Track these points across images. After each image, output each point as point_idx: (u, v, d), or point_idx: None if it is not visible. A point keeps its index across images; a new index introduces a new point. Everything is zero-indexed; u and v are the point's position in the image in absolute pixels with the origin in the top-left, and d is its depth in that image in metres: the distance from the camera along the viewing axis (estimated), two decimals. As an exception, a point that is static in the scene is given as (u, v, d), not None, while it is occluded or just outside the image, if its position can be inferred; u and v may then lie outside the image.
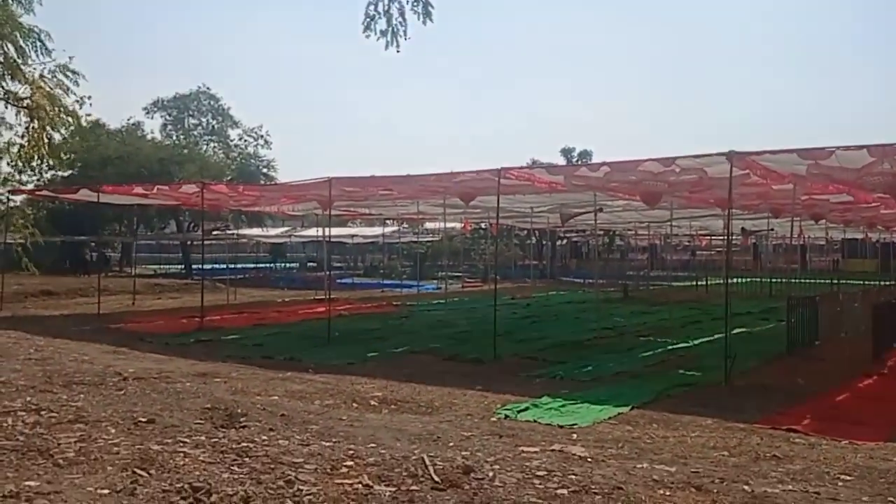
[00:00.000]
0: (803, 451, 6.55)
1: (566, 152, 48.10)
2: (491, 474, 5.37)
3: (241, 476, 5.02)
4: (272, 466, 5.28)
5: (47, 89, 10.02)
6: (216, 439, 6.00)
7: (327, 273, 19.54)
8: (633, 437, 6.89)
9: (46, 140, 10.58)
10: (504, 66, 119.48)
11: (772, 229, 26.35)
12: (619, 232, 42.42)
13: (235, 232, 36.60)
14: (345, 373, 10.23)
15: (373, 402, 8.17)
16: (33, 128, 10.27)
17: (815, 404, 8.80)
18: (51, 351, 11.38)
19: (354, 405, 7.99)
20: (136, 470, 5.02)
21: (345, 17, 33.77)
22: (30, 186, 25.73)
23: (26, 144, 10.51)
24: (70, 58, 10.46)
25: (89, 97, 10.39)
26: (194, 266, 40.90)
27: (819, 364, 11.79)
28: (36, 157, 11.20)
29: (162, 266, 43.99)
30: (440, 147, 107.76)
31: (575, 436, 6.90)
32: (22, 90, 10.25)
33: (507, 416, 7.63)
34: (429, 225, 35.21)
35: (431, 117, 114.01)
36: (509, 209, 21.80)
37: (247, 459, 5.44)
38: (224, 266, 38.34)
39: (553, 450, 6.25)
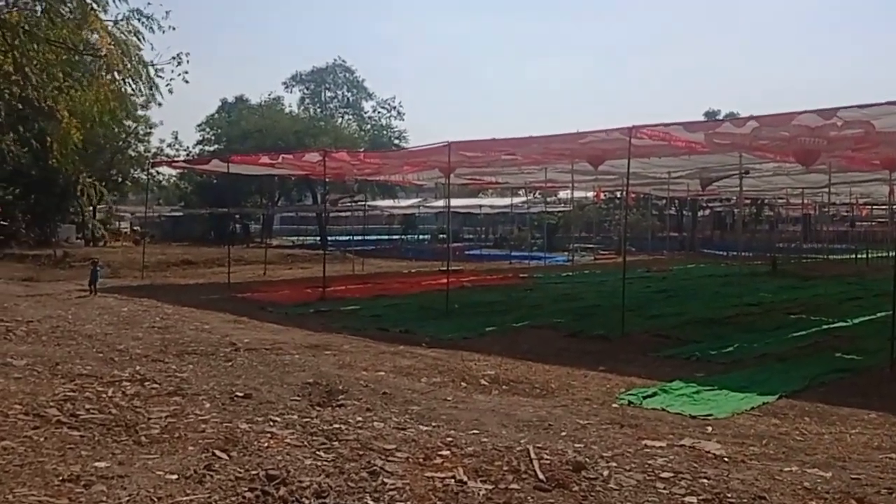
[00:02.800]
0: None
1: (710, 115, 45.27)
2: (606, 473, 4.66)
3: (324, 463, 4.59)
4: (360, 453, 4.82)
5: (117, 35, 9.67)
6: (308, 419, 5.63)
7: (448, 243, 19.00)
8: (779, 433, 5.93)
9: (113, 93, 10.24)
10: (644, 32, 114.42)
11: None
12: (768, 200, 39.50)
13: (366, 203, 37.03)
14: (458, 348, 9.71)
15: (483, 382, 7.59)
16: (104, 79, 10.04)
17: None
18: (175, 319, 11.59)
19: (463, 384, 7.44)
20: (216, 452, 4.71)
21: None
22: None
23: (95, 97, 10.20)
24: (148, 2, 9.96)
25: (187, 53, 9.83)
26: (330, 238, 42.09)
27: None
28: (106, 112, 10.93)
29: (300, 238, 45.45)
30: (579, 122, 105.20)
31: (710, 429, 6.02)
32: (95, 38, 9.97)
33: (630, 403, 6.83)
34: (561, 195, 34.14)
35: (569, 90, 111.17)
36: (643, 174, 20.51)
37: (335, 443, 5.02)
38: (356, 238, 39.16)
39: (682, 445, 5.43)
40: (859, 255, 29.64)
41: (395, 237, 46.51)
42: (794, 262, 28.87)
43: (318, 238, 40.24)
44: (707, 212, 49.93)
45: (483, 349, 9.64)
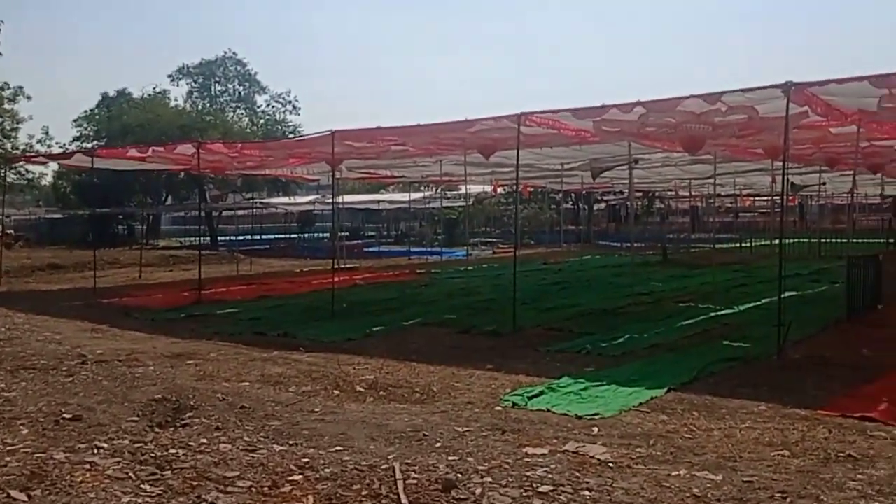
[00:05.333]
0: (886, 448, 5.16)
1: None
2: (479, 491, 4.13)
3: (146, 500, 3.84)
4: (194, 484, 4.10)
5: None
6: (142, 444, 4.84)
7: (334, 240, 18.24)
8: (668, 431, 5.57)
9: None
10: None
11: (824, 183, 24.35)
12: (658, 193, 40.55)
13: (255, 200, 35.64)
14: (339, 351, 9.03)
15: (359, 388, 6.95)
16: None
17: (888, 382, 7.35)
18: (24, 329, 10.39)
19: (336, 392, 6.77)
20: (12, 492, 3.89)
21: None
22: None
23: None
24: None
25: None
26: (222, 238, 40.28)
27: (885, 331, 10.30)
28: None
29: (190, 238, 43.38)
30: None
31: (596, 430, 5.60)
32: None
33: (515, 405, 6.34)
34: (463, 190, 33.83)
35: (472, 82, 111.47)
36: (538, 166, 20.32)
37: (166, 473, 4.28)
38: (250, 237, 37.59)
39: (566, 451, 4.97)
40: (743, 244, 30.69)
41: (292, 236, 45.09)
42: (684, 251, 29.62)
43: (208, 238, 38.50)
44: (602, 205, 50.99)
45: (366, 351, 9.01)
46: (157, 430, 5.22)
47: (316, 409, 6.04)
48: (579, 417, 5.96)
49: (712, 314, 12.28)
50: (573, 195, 41.75)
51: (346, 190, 41.34)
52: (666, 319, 11.72)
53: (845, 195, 32.71)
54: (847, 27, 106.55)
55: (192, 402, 5.99)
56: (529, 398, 6.53)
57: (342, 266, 20.88)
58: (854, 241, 17.58)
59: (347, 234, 40.30)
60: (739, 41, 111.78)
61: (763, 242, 31.35)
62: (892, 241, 25.65)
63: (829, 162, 17.18)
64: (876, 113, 9.52)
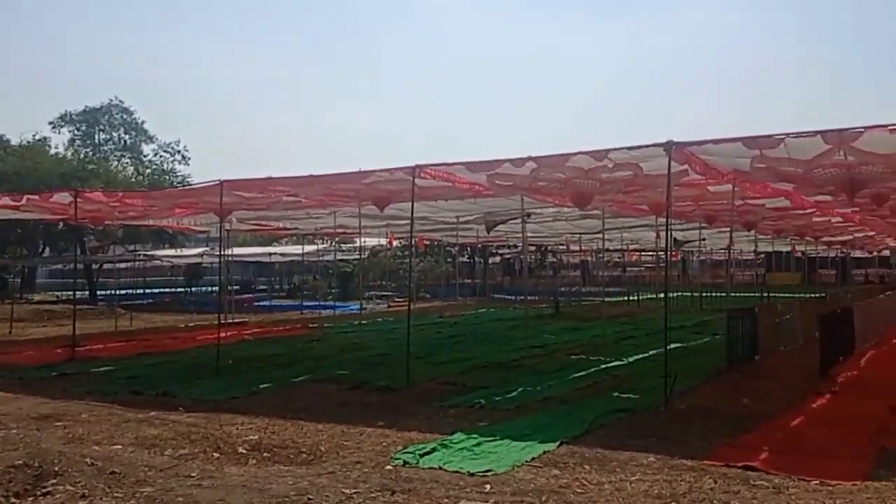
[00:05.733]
0: (769, 497, 5.28)
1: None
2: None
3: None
4: (45, 564, 3.68)
5: None
6: (-10, 519, 4.34)
7: (222, 294, 17.63)
8: (560, 486, 5.50)
9: None
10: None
11: (703, 239, 25.63)
12: (551, 248, 41.63)
13: (137, 252, 34.11)
14: (222, 410, 8.56)
15: (241, 450, 6.56)
16: None
17: (767, 431, 7.62)
18: None
19: (216, 455, 6.36)
20: None
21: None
22: None
23: None
24: None
25: None
26: (103, 292, 38.23)
27: (762, 381, 10.77)
28: None
29: (66, 292, 40.94)
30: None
31: (488, 487, 5.47)
32: None
33: (406, 463, 6.13)
34: (358, 242, 33.57)
35: (368, 137, 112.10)
36: (433, 219, 20.40)
37: (15, 552, 3.82)
38: (132, 291, 35.80)
39: (457, 511, 4.80)
40: (631, 298, 31.84)
41: (178, 290, 43.31)
42: (575, 304, 30.35)
43: (87, 292, 36.45)
44: (497, 258, 51.85)
45: (251, 410, 8.58)
46: (13, 499, 4.70)
47: (193, 474, 5.64)
48: (472, 475, 5.81)
49: (603, 366, 12.49)
50: (469, 248, 42.23)
51: (237, 242, 40.25)
52: (558, 372, 11.83)
53: (723, 251, 34.58)
54: (726, 92, 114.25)
55: (56, 468, 5.48)
56: (421, 456, 6.33)
57: (230, 321, 20.18)
58: (732, 294, 18.47)
59: (237, 287, 39.09)
60: (624, 102, 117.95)
61: (649, 296, 32.64)
62: (766, 294, 27.12)
63: (708, 219, 18.04)
64: (749, 173, 10.07)
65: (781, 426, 7.84)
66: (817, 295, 22.56)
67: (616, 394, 9.75)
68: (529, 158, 10.14)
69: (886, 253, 39.90)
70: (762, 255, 42.78)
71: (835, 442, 7.09)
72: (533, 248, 40.02)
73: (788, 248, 34.80)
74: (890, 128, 7.63)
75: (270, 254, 37.54)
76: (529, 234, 25.56)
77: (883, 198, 12.37)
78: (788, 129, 8.18)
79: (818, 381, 10.58)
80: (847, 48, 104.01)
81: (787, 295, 24.62)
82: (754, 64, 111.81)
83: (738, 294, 24.50)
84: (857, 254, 41.29)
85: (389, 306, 30.73)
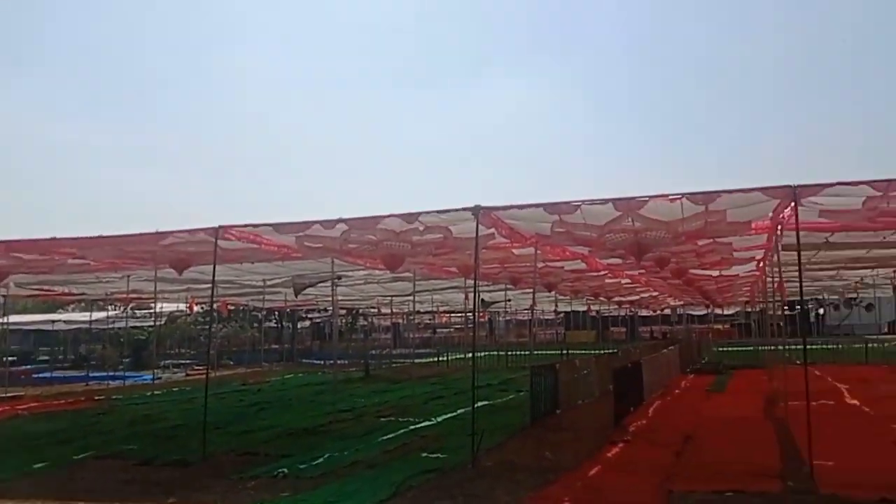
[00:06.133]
0: (571, 548, 5.32)
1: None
2: None
3: None
4: None
5: None
6: None
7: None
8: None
9: None
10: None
11: (509, 300, 26.71)
12: (362, 310, 41.52)
13: None
14: (-19, 497, 7.43)
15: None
16: None
17: (568, 482, 7.83)
18: None
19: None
20: None
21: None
22: None
23: None
24: None
25: None
26: None
27: (563, 434, 11.18)
28: None
29: None
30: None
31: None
32: None
33: (196, 543, 5.58)
34: (154, 308, 31.45)
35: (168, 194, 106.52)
36: (238, 282, 19.61)
37: None
38: None
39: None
40: (441, 358, 32.34)
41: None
42: (386, 367, 30.27)
43: None
44: (307, 322, 50.81)
45: (19, 494, 7.51)
46: None
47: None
48: (270, 550, 5.38)
49: (412, 427, 12.38)
50: (276, 312, 41.04)
51: (17, 309, 36.38)
52: (367, 435, 11.56)
53: (527, 311, 36.29)
54: (529, 162, 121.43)
55: None
56: (214, 533, 5.79)
57: (2, 395, 17.96)
58: (535, 352, 19.27)
59: (14, 358, 35.07)
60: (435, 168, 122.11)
61: (458, 356, 33.34)
62: (566, 351, 28.58)
63: (513, 280, 18.83)
64: (549, 236, 10.60)
65: (581, 476, 8.10)
66: (610, 351, 24.12)
67: (424, 454, 9.65)
68: (340, 220, 10.00)
69: (668, 311, 43.75)
70: (562, 315, 45.33)
71: (628, 488, 7.41)
72: (344, 312, 39.70)
73: (585, 308, 37.13)
74: (671, 197, 8.39)
75: (53, 321, 34.18)
76: (340, 297, 25.31)
77: (665, 261, 13.57)
78: (584, 197, 8.73)
79: (613, 430, 11.15)
80: (634, 124, 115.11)
81: (584, 351, 26.05)
82: (551, 137, 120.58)
83: (540, 352, 25.66)
84: (644, 312, 45.10)
85: (188, 375, 28.87)
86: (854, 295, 34.60)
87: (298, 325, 48.26)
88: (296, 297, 21.23)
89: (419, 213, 9.74)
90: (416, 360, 29.24)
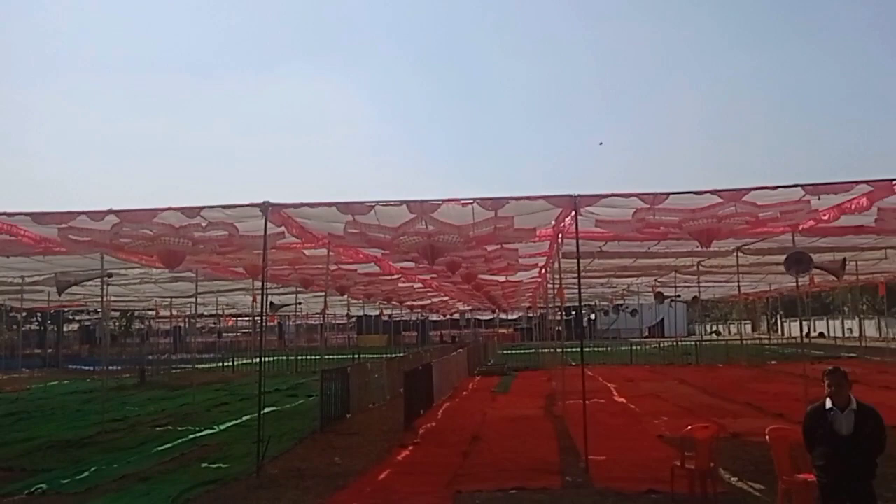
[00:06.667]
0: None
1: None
2: None
3: None
4: None
5: None
6: None
7: None
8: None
9: None
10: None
11: (300, 303, 26.12)
12: (138, 313, 38.70)
13: None
14: None
15: None
16: None
17: (358, 486, 7.71)
18: None
19: None
20: None
21: None
22: None
23: None
24: None
25: None
26: None
27: (354, 438, 11.05)
28: None
29: None
30: None
31: None
32: None
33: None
34: None
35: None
36: (-10, 279, 17.41)
37: None
38: None
39: None
40: (226, 363, 30.95)
41: None
42: (164, 372, 28.43)
43: None
44: (76, 325, 46.54)
45: None
46: None
47: None
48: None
49: (192, 436, 11.64)
50: (39, 314, 37.12)
51: None
52: (140, 446, 10.70)
53: (318, 314, 35.71)
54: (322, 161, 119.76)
55: None
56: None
57: None
58: (326, 356, 18.92)
59: None
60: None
61: (245, 361, 32.11)
62: (357, 355, 28.46)
63: (304, 283, 18.35)
64: (342, 237, 10.38)
65: (370, 480, 8.01)
66: (402, 354, 24.38)
67: (205, 464, 9.10)
68: (111, 211, 9.11)
69: (457, 316, 45.26)
70: (354, 319, 45.27)
71: (418, 491, 7.42)
72: (117, 313, 36.79)
73: (377, 312, 37.32)
74: (462, 201, 8.56)
75: None
76: (112, 298, 23.34)
77: (456, 265, 13.89)
78: (380, 199, 8.66)
79: (403, 433, 11.19)
80: (422, 127, 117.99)
81: (376, 355, 26.14)
82: (347, 137, 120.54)
83: (332, 356, 25.32)
84: (434, 317, 46.29)
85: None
86: (621, 301, 37.86)
87: (65, 328, 44.05)
88: (59, 295, 19.20)
89: (202, 208, 9.09)
90: (199, 366, 27.69)
